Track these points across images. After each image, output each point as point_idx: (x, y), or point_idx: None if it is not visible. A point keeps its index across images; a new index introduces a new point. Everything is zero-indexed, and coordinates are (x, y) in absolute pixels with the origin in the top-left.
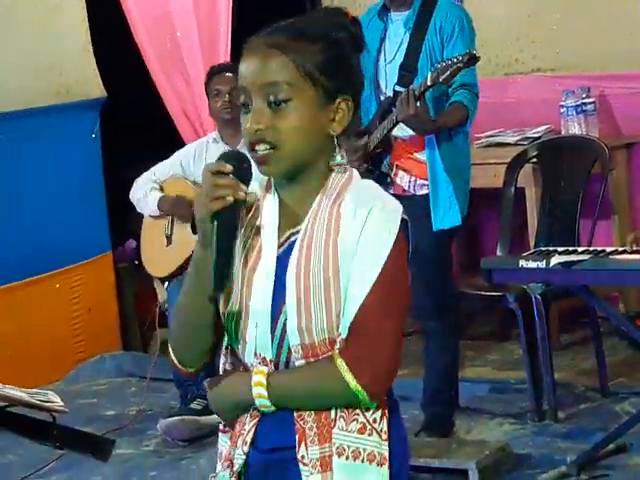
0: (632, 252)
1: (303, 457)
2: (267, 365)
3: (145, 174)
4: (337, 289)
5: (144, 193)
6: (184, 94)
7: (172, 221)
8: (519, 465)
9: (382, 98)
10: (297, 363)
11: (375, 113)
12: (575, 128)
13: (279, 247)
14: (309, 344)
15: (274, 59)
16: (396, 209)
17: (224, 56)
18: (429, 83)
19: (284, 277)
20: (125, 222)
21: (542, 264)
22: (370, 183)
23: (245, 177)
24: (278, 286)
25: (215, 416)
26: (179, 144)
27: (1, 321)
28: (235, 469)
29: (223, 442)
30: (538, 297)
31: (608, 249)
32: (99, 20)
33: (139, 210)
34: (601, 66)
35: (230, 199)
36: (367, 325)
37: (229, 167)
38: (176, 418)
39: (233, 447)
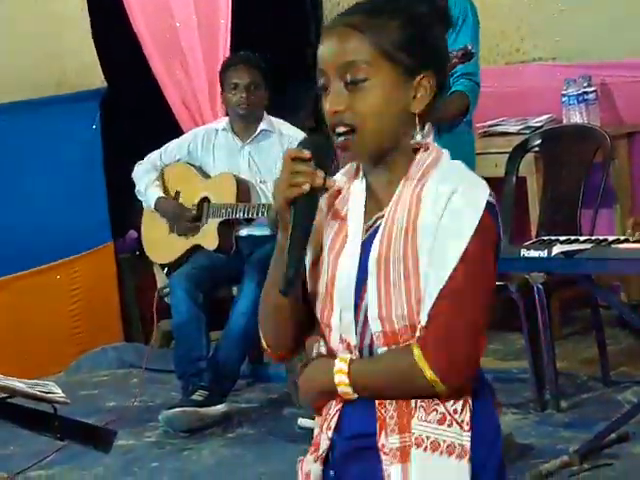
0: (634, 241)
1: (383, 446)
2: (351, 351)
3: (152, 156)
4: (416, 275)
5: (145, 185)
6: (183, 85)
7: None
8: (522, 455)
9: None
10: (379, 350)
11: None
12: (576, 117)
13: (365, 232)
14: (390, 331)
15: (350, 38)
16: (480, 192)
17: (224, 48)
18: None
19: (367, 263)
20: (126, 213)
21: (544, 253)
22: (457, 163)
23: (325, 163)
24: (362, 272)
25: (216, 407)
26: (179, 134)
27: (2, 312)
28: (319, 453)
29: (316, 427)
30: (540, 286)
31: (610, 238)
32: (99, 10)
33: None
34: (602, 55)
35: (306, 187)
36: (446, 313)
37: (307, 153)
38: (177, 409)
39: (320, 432)
